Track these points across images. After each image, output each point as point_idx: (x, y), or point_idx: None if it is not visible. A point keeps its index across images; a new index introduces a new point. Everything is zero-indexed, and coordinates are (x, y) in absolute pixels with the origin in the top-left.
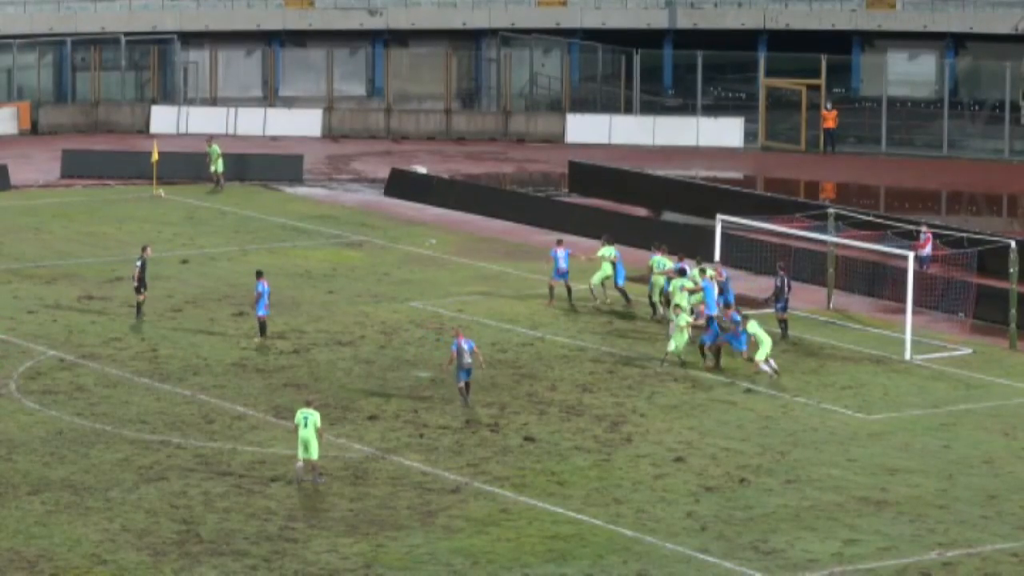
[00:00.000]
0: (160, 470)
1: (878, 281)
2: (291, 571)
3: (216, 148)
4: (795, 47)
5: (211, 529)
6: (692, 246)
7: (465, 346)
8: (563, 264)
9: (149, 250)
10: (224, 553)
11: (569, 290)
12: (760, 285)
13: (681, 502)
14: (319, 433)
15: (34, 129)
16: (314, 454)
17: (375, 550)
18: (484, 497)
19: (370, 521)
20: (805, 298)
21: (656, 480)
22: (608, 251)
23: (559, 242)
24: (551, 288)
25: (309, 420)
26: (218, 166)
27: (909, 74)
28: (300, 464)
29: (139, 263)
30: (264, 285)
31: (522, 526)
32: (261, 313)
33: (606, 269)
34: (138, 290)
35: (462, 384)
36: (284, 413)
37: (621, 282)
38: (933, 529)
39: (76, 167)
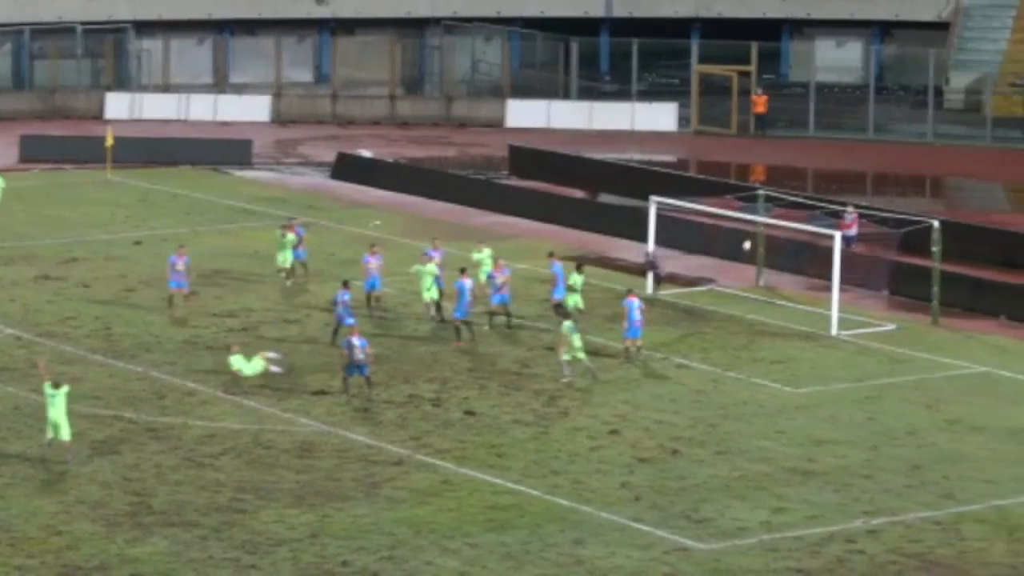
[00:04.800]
0: (113, 444)
1: (805, 260)
2: (240, 541)
3: None
4: (727, 35)
5: (163, 501)
6: (629, 227)
7: (356, 342)
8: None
9: None
10: (175, 524)
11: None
12: (692, 264)
13: (616, 473)
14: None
15: None
16: (65, 435)
17: (321, 520)
18: (426, 469)
19: (316, 492)
20: (735, 276)
21: (592, 452)
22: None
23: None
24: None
25: (57, 399)
26: None
27: (837, 60)
28: (49, 439)
29: None
30: (344, 293)
31: (463, 497)
32: (347, 322)
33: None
34: None
35: (352, 378)
36: (233, 389)
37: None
38: (858, 498)
39: (33, 152)
